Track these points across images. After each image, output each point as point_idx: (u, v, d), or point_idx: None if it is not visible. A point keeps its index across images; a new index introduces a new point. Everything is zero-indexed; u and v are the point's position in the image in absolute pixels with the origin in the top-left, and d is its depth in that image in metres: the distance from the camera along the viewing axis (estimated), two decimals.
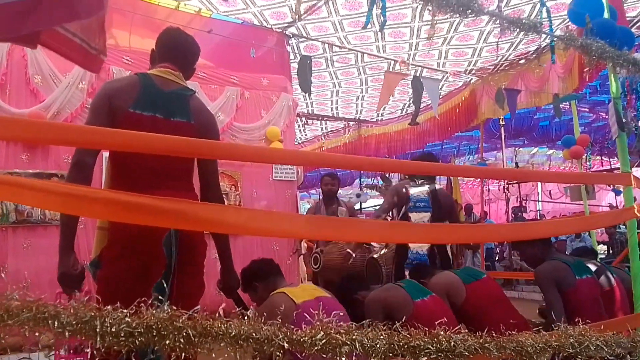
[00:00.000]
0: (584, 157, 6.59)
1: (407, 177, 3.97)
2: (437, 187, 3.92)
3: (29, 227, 4.38)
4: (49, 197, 1.24)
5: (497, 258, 8.35)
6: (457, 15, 2.02)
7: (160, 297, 1.74)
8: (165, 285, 1.76)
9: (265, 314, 2.16)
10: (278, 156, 2.25)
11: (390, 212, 3.80)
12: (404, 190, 3.75)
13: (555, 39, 3.16)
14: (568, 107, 7.29)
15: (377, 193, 13.49)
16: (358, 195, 11.17)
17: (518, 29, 2.37)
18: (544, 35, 6.12)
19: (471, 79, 8.12)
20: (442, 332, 1.08)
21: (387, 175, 12.15)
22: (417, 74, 7.73)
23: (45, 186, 1.26)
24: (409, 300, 2.43)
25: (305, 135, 11.38)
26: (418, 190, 3.71)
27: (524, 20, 2.40)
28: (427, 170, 2.95)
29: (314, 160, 2.72)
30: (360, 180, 12.57)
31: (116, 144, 1.44)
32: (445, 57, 7.08)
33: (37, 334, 0.81)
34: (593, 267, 3.04)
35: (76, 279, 1.75)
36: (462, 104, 8.30)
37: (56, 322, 0.79)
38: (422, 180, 3.76)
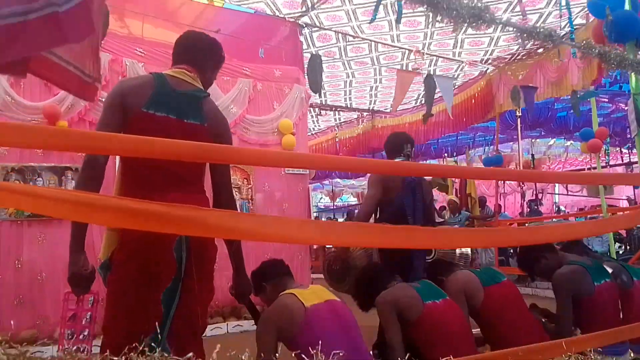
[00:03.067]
0: (602, 150, 6.42)
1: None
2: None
3: (44, 220, 4.43)
4: (58, 205, 1.23)
5: (510, 253, 8.23)
6: (468, 25, 1.95)
7: (168, 303, 1.74)
8: (174, 291, 1.75)
9: (273, 316, 2.16)
10: (292, 160, 2.22)
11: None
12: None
13: (574, 31, 3.05)
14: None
15: None
16: None
17: (533, 37, 2.29)
18: (563, 23, 5.97)
19: (487, 69, 7.97)
20: None
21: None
22: (432, 64, 7.64)
23: (55, 194, 1.25)
24: (420, 301, 2.39)
25: (319, 125, 11.32)
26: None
27: (539, 30, 2.32)
28: (441, 173, 2.84)
29: (330, 164, 2.68)
30: None
31: (128, 150, 1.42)
32: (461, 46, 6.94)
33: None
34: (610, 268, 2.94)
35: (86, 280, 1.76)
36: (478, 95, 8.15)
37: None
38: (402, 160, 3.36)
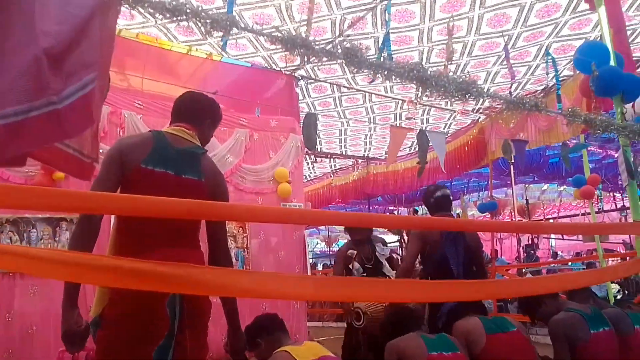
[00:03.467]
0: (595, 195, 6.49)
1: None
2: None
3: None
4: (53, 266, 1.24)
5: (509, 300, 8.14)
6: (457, 99, 2.05)
7: None
8: (167, 348, 1.72)
9: None
10: (292, 215, 2.25)
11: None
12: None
13: (560, 85, 3.17)
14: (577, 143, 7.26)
15: (386, 230, 13.38)
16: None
17: (520, 108, 2.40)
18: (550, 75, 6.16)
19: (479, 117, 8.15)
20: None
21: (395, 211, 12.10)
22: (425, 113, 7.82)
23: (49, 255, 1.27)
24: (424, 351, 2.37)
25: (314, 172, 11.43)
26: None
27: (525, 101, 2.43)
28: (445, 226, 2.84)
29: (329, 219, 2.73)
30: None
31: (123, 210, 1.44)
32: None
33: None
34: (611, 312, 2.94)
35: (80, 337, 1.72)
36: (471, 142, 8.31)
37: None
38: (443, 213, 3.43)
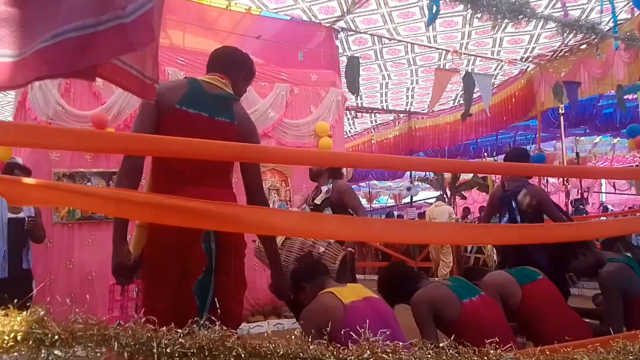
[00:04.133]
0: None
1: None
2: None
3: (93, 223, 4.65)
4: (100, 202, 1.32)
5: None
6: (509, 21, 1.94)
7: (201, 296, 1.79)
8: (207, 283, 1.80)
9: (313, 314, 2.20)
10: (324, 158, 2.26)
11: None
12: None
13: (617, 26, 2.96)
14: (634, 95, 6.85)
15: (428, 186, 13.25)
16: (408, 189, 11.01)
17: (575, 31, 2.24)
18: (605, 20, 5.77)
19: (528, 67, 7.78)
20: (492, 350, 1.05)
21: None
22: (470, 64, 7.53)
23: (100, 192, 1.33)
24: (457, 300, 2.37)
25: (355, 128, 11.34)
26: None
27: (581, 23, 2.26)
28: (479, 170, 2.81)
29: (359, 161, 2.73)
30: (411, 173, 12.37)
31: (162, 150, 1.49)
32: (500, 45, 6.82)
33: (99, 354, 0.87)
34: None
35: (129, 270, 1.81)
36: (518, 93, 7.98)
37: (116, 344, 0.85)
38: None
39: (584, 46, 6.95)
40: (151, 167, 1.94)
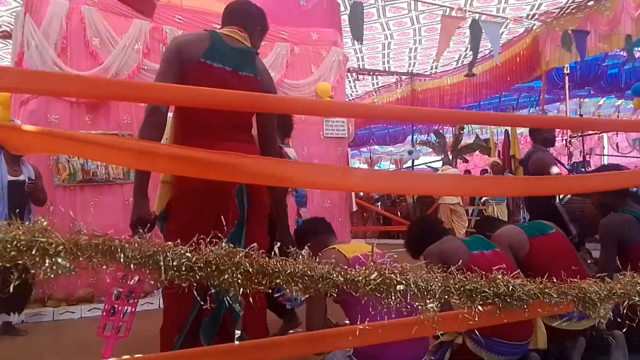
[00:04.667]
0: None
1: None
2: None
3: (95, 185, 4.63)
4: (123, 153, 1.29)
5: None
6: None
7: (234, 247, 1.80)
8: (239, 236, 1.81)
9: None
10: (341, 108, 2.23)
11: None
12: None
13: None
14: None
15: (430, 150, 13.19)
16: (410, 152, 10.97)
17: None
18: None
19: (534, 25, 7.60)
20: (499, 276, 1.05)
21: (440, 131, 11.83)
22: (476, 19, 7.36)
23: (120, 143, 1.31)
24: (466, 250, 2.39)
25: (356, 91, 11.20)
26: None
27: None
28: (477, 120, 2.79)
29: (368, 112, 2.70)
30: (412, 137, 12.30)
31: (184, 100, 1.47)
32: (505, 1, 6.64)
33: (104, 267, 0.86)
34: None
35: (149, 225, 1.80)
36: (523, 53, 7.83)
37: (122, 256, 0.84)
38: None
39: (591, 3, 6.77)
40: (174, 119, 1.93)
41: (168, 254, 0.83)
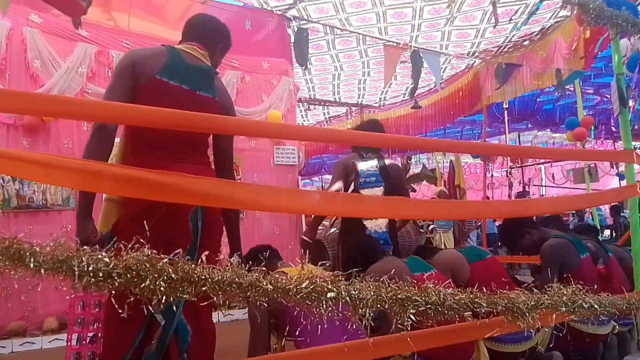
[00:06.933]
0: (587, 139, 6.51)
1: (352, 150, 3.72)
2: (387, 161, 3.63)
3: (31, 212, 4.40)
4: (69, 174, 1.23)
5: (499, 244, 8.31)
6: None
7: None
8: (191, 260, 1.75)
9: None
10: (294, 131, 2.24)
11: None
12: (351, 164, 3.49)
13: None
14: (572, 89, 7.22)
15: None
16: None
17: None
18: (547, 16, 6.04)
19: (474, 62, 8.04)
20: (430, 286, 1.07)
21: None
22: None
23: (65, 163, 1.25)
24: (408, 273, 2.42)
25: (308, 120, 11.33)
26: (367, 165, 3.44)
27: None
28: (426, 147, 2.89)
29: (327, 137, 2.76)
30: None
31: (136, 119, 1.43)
32: (448, 38, 7.00)
33: (12, 272, 0.80)
34: (590, 246, 3.02)
35: (96, 246, 1.71)
36: (465, 87, 8.23)
37: (32, 260, 0.79)
38: (370, 154, 3.51)
39: (526, 42, 7.25)
40: (122, 137, 1.85)
41: (83, 258, 0.78)
